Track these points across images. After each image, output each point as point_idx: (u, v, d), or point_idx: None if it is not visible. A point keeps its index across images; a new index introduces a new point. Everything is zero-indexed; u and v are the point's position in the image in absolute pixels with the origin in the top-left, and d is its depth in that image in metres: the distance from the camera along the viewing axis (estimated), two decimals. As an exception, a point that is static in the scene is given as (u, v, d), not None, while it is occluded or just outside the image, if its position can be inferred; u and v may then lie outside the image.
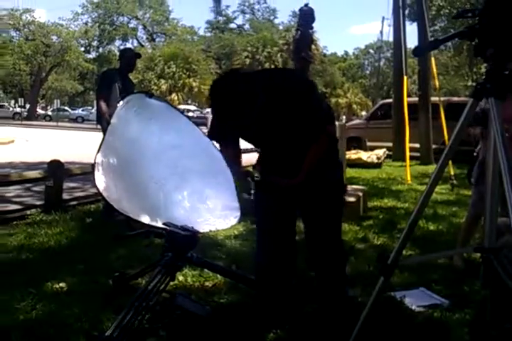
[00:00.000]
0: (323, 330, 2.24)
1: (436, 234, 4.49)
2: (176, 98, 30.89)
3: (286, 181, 2.33)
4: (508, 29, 1.65)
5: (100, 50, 45.14)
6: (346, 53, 57.04)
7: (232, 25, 52.40)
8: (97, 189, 2.88)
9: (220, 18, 51.92)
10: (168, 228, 2.55)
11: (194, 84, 33.02)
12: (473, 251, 2.04)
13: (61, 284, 2.99)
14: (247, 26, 51.92)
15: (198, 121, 7.21)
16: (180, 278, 3.04)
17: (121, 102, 4.24)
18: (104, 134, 3.38)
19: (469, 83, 20.41)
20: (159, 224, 2.83)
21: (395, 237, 4.07)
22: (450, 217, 5.19)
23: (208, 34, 51.19)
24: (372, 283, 2.02)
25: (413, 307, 2.73)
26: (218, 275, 3.02)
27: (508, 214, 1.69)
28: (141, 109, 4.44)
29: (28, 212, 5.13)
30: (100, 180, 3.12)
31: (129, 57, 5.08)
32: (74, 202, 5.77)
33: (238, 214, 4.79)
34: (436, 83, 9.59)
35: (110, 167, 3.57)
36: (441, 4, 16.93)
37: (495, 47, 1.70)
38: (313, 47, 8.68)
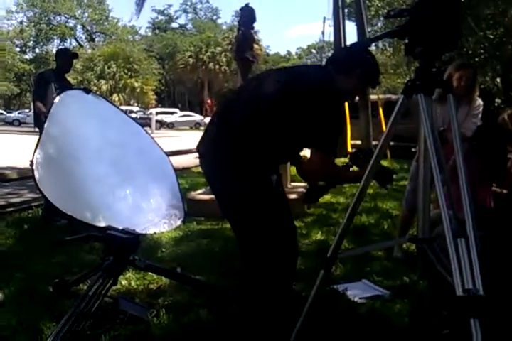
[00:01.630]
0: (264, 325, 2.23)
1: (376, 226, 4.63)
2: (117, 99, 30.23)
3: None
4: (436, 28, 1.72)
5: (37, 50, 43.56)
6: (289, 53, 57.86)
7: (175, 25, 51.99)
8: (38, 187, 2.78)
9: (162, 17, 51.36)
10: (108, 232, 2.48)
11: (136, 84, 32.46)
12: (408, 242, 2.12)
13: (-4, 294, 2.87)
14: (189, 26, 51.65)
15: (142, 122, 7.08)
16: (124, 282, 2.98)
17: (57, 98, 4.10)
18: (41, 136, 3.27)
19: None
20: (102, 224, 2.77)
21: (337, 232, 4.17)
22: (389, 210, 5.36)
23: (150, 34, 50.51)
24: (316, 278, 2.05)
25: (355, 299, 2.80)
26: (163, 278, 2.98)
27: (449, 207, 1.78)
28: (79, 104, 4.31)
29: (-40, 221, 4.87)
30: (41, 178, 3.01)
31: (66, 58, 4.97)
32: (10, 209, 5.53)
33: (183, 214, 4.75)
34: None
35: (50, 163, 3.45)
36: (379, 5, 17.41)
37: (424, 46, 1.77)
38: (256, 46, 8.75)
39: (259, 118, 2.04)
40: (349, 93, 2.17)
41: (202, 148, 2.19)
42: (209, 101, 13.33)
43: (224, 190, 2.15)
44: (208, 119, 12.72)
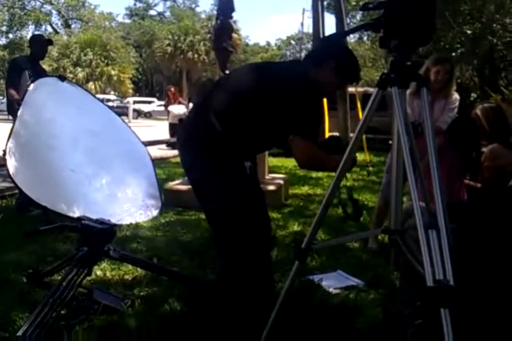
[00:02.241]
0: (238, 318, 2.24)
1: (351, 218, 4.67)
2: (93, 87, 29.73)
3: None
4: (411, 22, 1.73)
5: (10, 35, 42.45)
6: (268, 44, 57.67)
7: (153, 12, 51.27)
8: (11, 177, 2.73)
9: (139, 4, 50.59)
10: (82, 222, 2.46)
11: (113, 72, 31.93)
12: (381, 233, 2.15)
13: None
14: (167, 14, 50.99)
15: (119, 111, 6.98)
16: (99, 272, 2.97)
17: (31, 85, 4.01)
18: (14, 124, 3.21)
19: (385, 74, 21.52)
20: (77, 214, 2.74)
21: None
22: (366, 202, 5.42)
23: (128, 21, 49.75)
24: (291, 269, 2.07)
25: (330, 290, 2.84)
26: (138, 269, 2.97)
27: (422, 199, 1.81)
28: (54, 92, 4.23)
29: None
30: (13, 167, 2.96)
31: (40, 44, 4.87)
32: (-18, 198, 5.42)
33: (160, 205, 4.73)
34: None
35: (24, 152, 3.38)
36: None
37: (398, 39, 1.77)
38: (235, 36, 8.70)
39: (238, 109, 2.07)
40: (326, 86, 2.14)
41: (181, 137, 2.23)
42: (172, 89, 13.15)
43: (198, 177, 2.17)
44: (172, 107, 12.56)
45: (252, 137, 2.09)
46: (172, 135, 12.22)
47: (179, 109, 12.45)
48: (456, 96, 3.63)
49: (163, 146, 11.77)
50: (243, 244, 2.10)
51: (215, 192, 2.11)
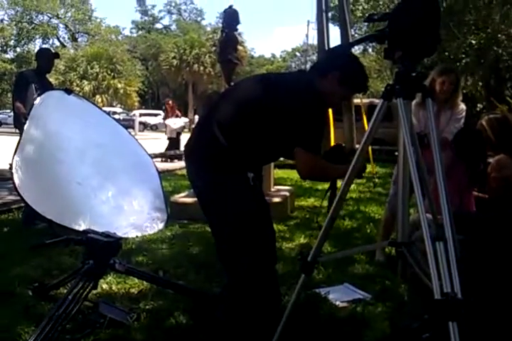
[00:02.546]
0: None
1: (358, 230, 4.65)
2: (100, 100, 29.94)
3: None
4: (415, 33, 1.73)
5: (18, 49, 42.94)
6: (273, 56, 57.98)
7: (159, 26, 51.78)
8: (17, 190, 2.74)
9: (145, 18, 51.10)
10: (88, 235, 2.46)
11: (119, 85, 32.18)
12: (388, 245, 2.13)
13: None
14: (173, 27, 51.46)
15: (125, 124, 7.03)
16: (104, 285, 2.95)
17: (38, 99, 4.04)
18: (21, 137, 3.23)
19: (390, 85, 21.63)
20: (83, 227, 2.74)
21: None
22: (372, 214, 5.39)
23: (134, 34, 50.23)
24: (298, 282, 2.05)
25: (337, 303, 2.81)
26: (144, 282, 2.96)
27: (429, 211, 1.80)
28: (60, 105, 4.26)
29: None
30: (20, 181, 2.98)
31: (47, 58, 4.92)
32: (-11, 211, 5.43)
33: (166, 217, 4.73)
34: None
35: (30, 166, 3.40)
36: (365, 7, 17.51)
37: (403, 50, 1.78)
38: (240, 48, 8.76)
39: (242, 120, 2.07)
40: (331, 97, 2.12)
41: (187, 148, 2.24)
42: (170, 102, 13.10)
43: (203, 188, 2.17)
44: (168, 121, 12.47)
45: (256, 148, 2.09)
46: (168, 149, 12.21)
47: (176, 123, 12.39)
48: (462, 106, 3.62)
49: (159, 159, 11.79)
50: (247, 256, 2.08)
51: (219, 204, 2.11)
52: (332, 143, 9.60)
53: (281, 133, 2.05)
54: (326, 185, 7.48)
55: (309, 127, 2.03)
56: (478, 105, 14.96)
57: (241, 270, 2.10)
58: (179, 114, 13.41)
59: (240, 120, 2.08)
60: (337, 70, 2.07)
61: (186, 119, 16.02)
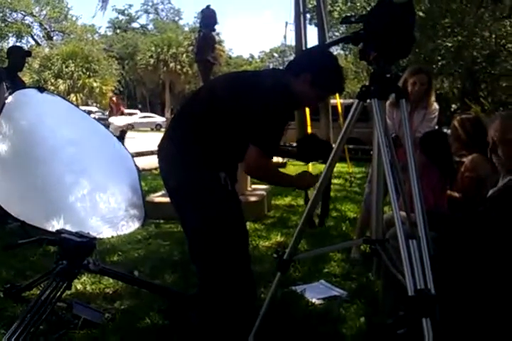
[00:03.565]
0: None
1: (335, 228, 4.69)
2: (75, 99, 29.47)
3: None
4: (389, 35, 1.75)
5: (-9, 47, 42.11)
6: (252, 56, 58.03)
7: (135, 25, 51.35)
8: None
9: (122, 17, 50.65)
10: (61, 235, 2.42)
11: (95, 84, 31.74)
12: (362, 243, 2.16)
13: None
14: (150, 26, 51.13)
15: (101, 123, 6.94)
16: (79, 286, 2.92)
17: (10, 97, 3.96)
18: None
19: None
20: (57, 227, 2.70)
21: (295, 234, 4.21)
22: (347, 212, 5.44)
23: (110, 33, 49.71)
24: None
25: (313, 300, 2.83)
26: (119, 282, 2.93)
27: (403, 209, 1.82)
28: (33, 103, 4.18)
29: None
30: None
31: (18, 56, 4.83)
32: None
33: (143, 215, 4.68)
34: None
35: (2, 165, 3.32)
36: (343, 8, 17.64)
37: (378, 52, 1.80)
38: (218, 48, 8.74)
39: (212, 119, 2.06)
40: (304, 97, 2.11)
41: (159, 147, 2.22)
42: (114, 98, 12.65)
43: (173, 185, 2.15)
44: (112, 119, 12.06)
45: (225, 146, 2.08)
46: None
47: (121, 121, 11.71)
48: (435, 106, 3.65)
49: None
50: (218, 254, 2.06)
51: (190, 202, 2.09)
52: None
53: (248, 131, 2.03)
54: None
55: (269, 125, 1.98)
56: (453, 106, 15.22)
57: (213, 270, 2.08)
58: (124, 111, 12.92)
59: (209, 118, 2.06)
60: (308, 72, 2.05)
61: (133, 116, 15.49)
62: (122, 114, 12.37)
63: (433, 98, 3.66)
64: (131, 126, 32.11)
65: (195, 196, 2.07)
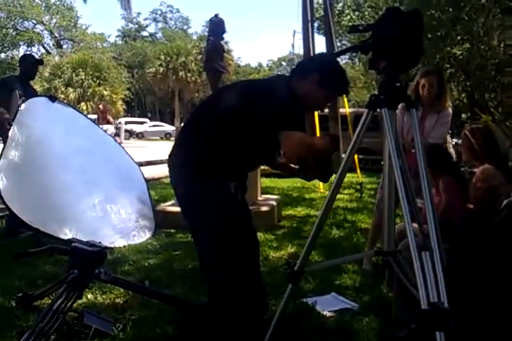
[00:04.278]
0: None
1: (346, 239, 4.66)
2: (85, 107, 29.69)
3: None
4: (398, 44, 1.75)
5: (2, 55, 42.55)
6: (260, 65, 58.26)
7: (145, 33, 51.75)
8: (2, 199, 2.71)
9: (131, 25, 51.07)
10: (72, 244, 2.43)
11: (105, 92, 31.99)
12: (374, 255, 2.14)
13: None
14: (159, 35, 51.49)
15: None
16: (89, 295, 2.92)
17: (23, 105, 4.00)
18: (5, 144, 3.19)
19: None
20: (69, 236, 2.71)
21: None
22: (359, 223, 5.41)
23: (119, 42, 50.12)
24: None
25: (324, 313, 2.80)
26: (130, 292, 2.93)
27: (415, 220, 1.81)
28: (45, 112, 4.22)
29: None
30: (4, 187, 2.94)
31: (30, 64, 4.88)
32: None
33: (153, 226, 4.68)
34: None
35: (15, 173, 3.36)
36: (353, 17, 17.70)
37: (387, 61, 1.79)
38: (227, 57, 8.78)
39: (221, 128, 2.06)
40: (311, 98, 2.10)
41: (169, 157, 2.23)
42: (101, 106, 12.44)
43: (182, 194, 2.15)
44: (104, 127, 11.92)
45: (235, 155, 2.08)
46: None
47: (107, 130, 11.70)
48: (449, 111, 3.51)
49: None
50: (227, 264, 2.05)
51: (199, 212, 2.09)
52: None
53: (259, 139, 2.04)
54: (314, 195, 7.52)
55: (286, 119, 1.94)
56: (463, 115, 15.16)
57: (223, 280, 2.07)
58: (111, 119, 12.74)
59: (218, 127, 2.06)
60: (316, 72, 2.07)
61: (143, 125, 15.32)
62: (108, 122, 12.10)
63: (447, 101, 3.50)
64: (141, 135, 32.40)
65: (204, 206, 2.07)
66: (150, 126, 34.73)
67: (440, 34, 13.00)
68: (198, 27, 71.80)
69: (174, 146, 2.23)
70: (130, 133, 30.25)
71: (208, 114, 2.14)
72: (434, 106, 3.43)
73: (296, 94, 2.04)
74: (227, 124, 2.05)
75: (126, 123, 29.28)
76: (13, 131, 3.56)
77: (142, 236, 4.29)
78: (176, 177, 2.18)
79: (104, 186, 4.31)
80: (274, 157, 2.31)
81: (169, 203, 5.34)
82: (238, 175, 2.18)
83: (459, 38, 13.86)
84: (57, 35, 44.44)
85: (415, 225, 1.87)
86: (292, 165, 2.27)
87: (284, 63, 54.63)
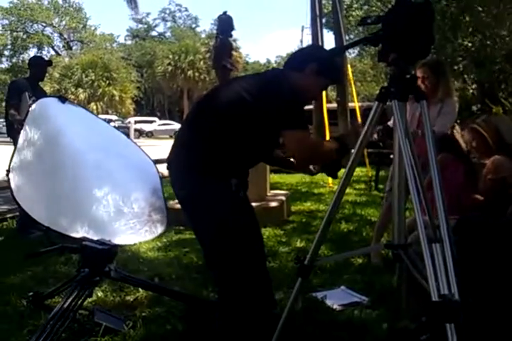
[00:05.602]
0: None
1: (355, 233, 4.64)
2: (95, 107, 29.88)
3: None
4: (409, 35, 1.73)
5: (13, 59, 42.93)
6: (268, 61, 58.14)
7: (153, 33, 51.88)
8: (13, 197, 2.72)
9: (140, 25, 51.25)
10: (82, 243, 2.44)
11: (115, 92, 32.17)
12: (384, 248, 2.12)
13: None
14: (168, 34, 51.59)
15: (120, 131, 7.01)
16: (100, 293, 2.93)
17: (33, 106, 4.02)
18: (17, 145, 3.21)
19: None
20: (81, 233, 2.71)
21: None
22: (368, 217, 5.38)
23: (129, 42, 50.35)
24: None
25: (334, 307, 2.80)
26: (140, 289, 2.94)
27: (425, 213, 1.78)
28: (55, 112, 4.23)
29: None
30: (16, 186, 2.95)
31: (39, 66, 4.91)
32: (-16, 221, 5.40)
33: (165, 220, 4.67)
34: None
35: (26, 173, 3.37)
36: (359, 14, 17.60)
37: (397, 53, 1.77)
38: (236, 54, 8.78)
39: (222, 124, 2.04)
40: (308, 89, 2.10)
41: (168, 156, 2.20)
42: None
43: (184, 194, 2.13)
44: None
45: (236, 151, 2.06)
46: None
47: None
48: (454, 99, 3.47)
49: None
50: (233, 261, 2.04)
51: (200, 208, 2.07)
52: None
53: (260, 135, 2.03)
54: (323, 189, 7.50)
55: (286, 112, 1.96)
56: (473, 107, 15.02)
57: (229, 277, 2.07)
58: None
59: (219, 123, 2.04)
60: (314, 62, 2.08)
61: (153, 124, 15.26)
62: None
63: (450, 90, 3.47)
64: (150, 134, 32.55)
65: (206, 204, 2.06)
66: (159, 125, 34.83)
67: (451, 26, 12.88)
68: (206, 25, 71.78)
69: (174, 146, 2.20)
70: (140, 133, 30.37)
71: (207, 112, 2.12)
72: (434, 96, 3.40)
73: (295, 87, 2.02)
74: (229, 122, 2.03)
75: (136, 122, 29.44)
76: (25, 131, 3.57)
77: (154, 232, 4.29)
78: (177, 176, 2.16)
79: (118, 181, 4.32)
80: (272, 153, 2.30)
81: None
82: (240, 172, 2.15)
83: (470, 30, 13.71)
84: (66, 36, 44.75)
85: (425, 217, 1.84)
86: (292, 159, 2.28)
87: (292, 59, 54.48)
